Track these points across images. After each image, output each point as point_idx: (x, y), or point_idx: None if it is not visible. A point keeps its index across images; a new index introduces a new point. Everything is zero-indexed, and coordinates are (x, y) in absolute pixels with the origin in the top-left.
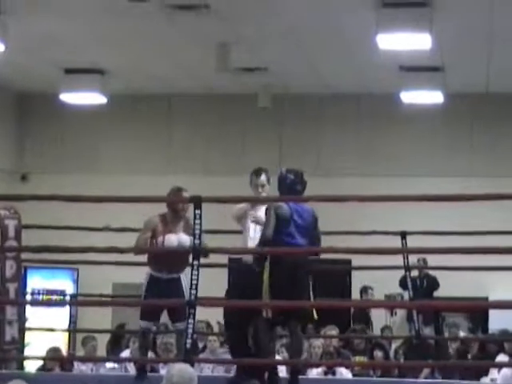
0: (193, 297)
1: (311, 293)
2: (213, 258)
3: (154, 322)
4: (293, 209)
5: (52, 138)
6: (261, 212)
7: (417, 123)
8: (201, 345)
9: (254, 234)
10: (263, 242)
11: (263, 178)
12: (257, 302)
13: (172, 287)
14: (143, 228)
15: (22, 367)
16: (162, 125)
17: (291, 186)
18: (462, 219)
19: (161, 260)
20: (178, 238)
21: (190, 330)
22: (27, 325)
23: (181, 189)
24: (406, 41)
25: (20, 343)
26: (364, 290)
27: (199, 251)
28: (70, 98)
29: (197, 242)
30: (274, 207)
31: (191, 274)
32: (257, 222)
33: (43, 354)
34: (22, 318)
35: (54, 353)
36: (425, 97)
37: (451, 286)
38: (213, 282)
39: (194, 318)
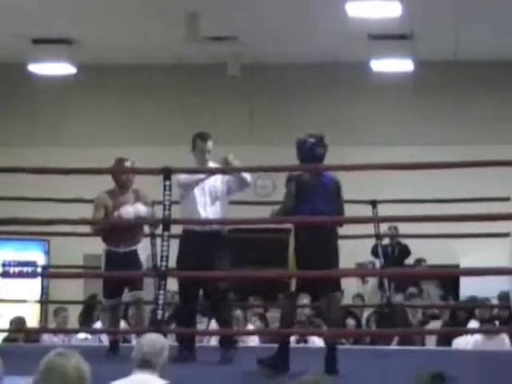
0: (163, 267)
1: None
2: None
3: (117, 298)
4: (314, 176)
5: (20, 109)
6: (213, 180)
7: (387, 92)
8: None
9: (205, 201)
10: (284, 213)
11: (210, 143)
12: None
13: (130, 260)
14: (94, 207)
15: None
16: (130, 96)
17: (311, 150)
18: (432, 187)
19: (118, 234)
20: (134, 209)
21: (161, 301)
22: None
23: (123, 159)
24: (375, 8)
25: None
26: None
27: (169, 222)
28: (38, 68)
29: (166, 213)
30: (295, 176)
31: (161, 246)
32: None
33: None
34: None
35: (17, 323)
36: (395, 65)
37: (422, 253)
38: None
39: (165, 289)
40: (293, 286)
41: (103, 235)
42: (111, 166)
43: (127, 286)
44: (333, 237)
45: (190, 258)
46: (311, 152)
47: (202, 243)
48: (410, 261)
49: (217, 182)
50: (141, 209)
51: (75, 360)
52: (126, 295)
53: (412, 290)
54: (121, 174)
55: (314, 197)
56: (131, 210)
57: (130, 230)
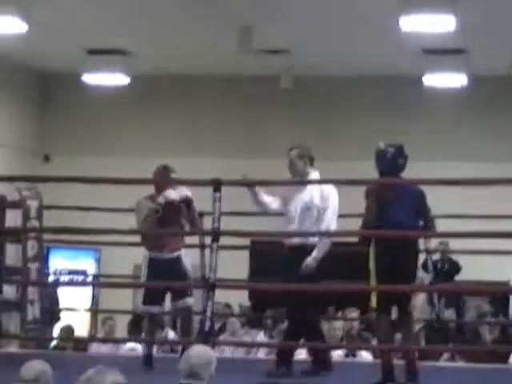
0: (212, 279)
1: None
2: (231, 241)
3: (158, 306)
4: (393, 189)
5: (74, 118)
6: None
7: (439, 106)
8: (217, 325)
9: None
10: (365, 227)
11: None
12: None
13: (174, 266)
14: (138, 212)
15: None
16: (184, 106)
17: (392, 161)
18: (485, 204)
19: (161, 239)
20: (179, 193)
21: (209, 313)
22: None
23: (167, 167)
24: (429, 23)
25: (42, 323)
26: None
27: (218, 233)
28: (92, 78)
29: (216, 225)
30: (375, 190)
31: (210, 257)
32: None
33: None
34: (53, 298)
35: (66, 331)
36: (448, 80)
37: (473, 270)
38: (232, 264)
39: (213, 300)
40: (373, 301)
41: (146, 241)
42: (155, 173)
43: (171, 293)
44: (411, 252)
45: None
46: (392, 163)
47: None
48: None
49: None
50: (185, 192)
51: (112, 378)
52: (172, 304)
53: (484, 307)
54: (164, 185)
55: (395, 210)
56: (174, 193)
57: (174, 236)
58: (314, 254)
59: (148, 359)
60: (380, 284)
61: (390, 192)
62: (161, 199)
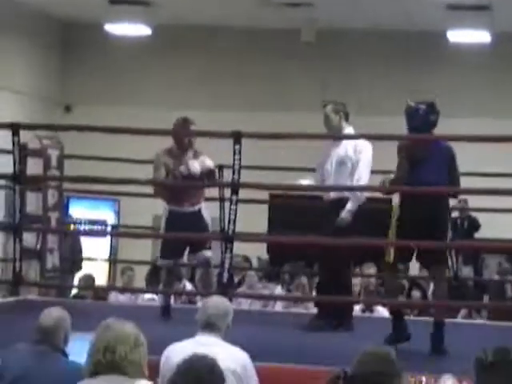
0: (231, 231)
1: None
2: (250, 194)
3: (176, 259)
4: (426, 145)
5: (96, 69)
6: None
7: (463, 63)
8: (236, 279)
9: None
10: (395, 184)
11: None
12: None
13: (194, 220)
14: (154, 167)
15: (65, 294)
16: (205, 58)
17: (425, 118)
18: (505, 161)
19: (181, 193)
20: (201, 163)
21: (227, 265)
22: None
23: (187, 120)
24: None
25: (61, 271)
26: None
27: (238, 185)
28: (114, 28)
29: (236, 177)
30: (406, 147)
31: (229, 209)
32: None
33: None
34: (75, 247)
35: (86, 280)
36: (472, 36)
37: (492, 227)
38: (251, 217)
39: (231, 253)
40: (391, 256)
41: (165, 195)
42: (175, 125)
43: (190, 246)
44: (441, 209)
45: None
46: (424, 119)
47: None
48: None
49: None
50: (208, 163)
51: (130, 328)
52: (191, 256)
53: (506, 265)
54: (184, 136)
55: (426, 167)
56: (197, 165)
57: (194, 189)
58: (348, 206)
59: (165, 310)
60: (401, 238)
61: (422, 150)
62: (182, 169)
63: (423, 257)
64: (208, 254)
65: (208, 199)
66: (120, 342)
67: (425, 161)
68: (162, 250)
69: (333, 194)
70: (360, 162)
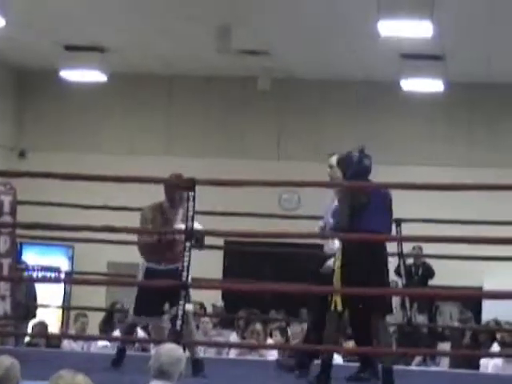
0: (184, 278)
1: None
2: (207, 241)
3: (152, 316)
4: (366, 193)
5: (51, 115)
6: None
7: (416, 111)
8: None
9: None
10: (338, 231)
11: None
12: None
13: (171, 278)
14: (142, 222)
15: (17, 342)
16: (162, 105)
17: (360, 163)
18: (457, 208)
19: (161, 251)
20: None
21: (181, 312)
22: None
23: (181, 176)
24: (407, 28)
25: (14, 318)
26: None
27: (191, 233)
28: (69, 75)
29: (189, 224)
30: (351, 194)
31: (183, 256)
32: None
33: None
34: (30, 293)
35: (39, 328)
36: (425, 85)
37: (446, 274)
38: (207, 264)
39: (185, 299)
40: (339, 304)
41: (146, 251)
42: (167, 181)
43: (169, 301)
44: (382, 255)
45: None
46: (360, 164)
47: None
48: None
49: None
50: (196, 227)
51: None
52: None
53: (467, 313)
54: (174, 193)
55: (367, 213)
56: (183, 227)
57: (174, 248)
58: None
59: (120, 354)
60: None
61: (363, 197)
62: (169, 236)
63: (365, 304)
64: (189, 307)
65: None
66: None
67: (366, 207)
68: (135, 307)
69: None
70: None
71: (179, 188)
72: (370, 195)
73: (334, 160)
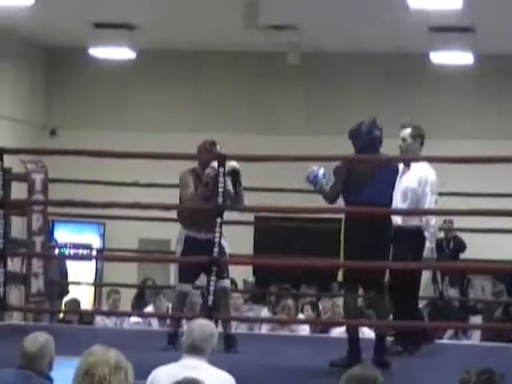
0: (216, 254)
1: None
2: (238, 217)
3: (192, 283)
4: (370, 166)
5: (80, 93)
6: None
7: (445, 84)
8: None
9: None
10: (328, 202)
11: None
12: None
13: (210, 248)
14: (183, 185)
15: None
16: (191, 81)
17: (370, 133)
18: (489, 182)
19: (201, 219)
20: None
21: (212, 287)
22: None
23: (213, 143)
24: (436, 0)
25: (46, 295)
26: None
27: (223, 209)
28: (98, 52)
29: (220, 199)
30: (347, 168)
31: (215, 232)
32: None
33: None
34: (62, 271)
35: (71, 304)
36: (454, 58)
37: (477, 248)
38: (237, 240)
39: (216, 276)
40: (340, 276)
41: (184, 219)
42: (200, 147)
43: (205, 271)
44: (385, 230)
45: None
46: (369, 135)
47: None
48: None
49: None
50: (232, 163)
51: (115, 355)
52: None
53: (499, 286)
54: (205, 156)
55: (370, 188)
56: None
57: (212, 218)
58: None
59: (173, 337)
60: (349, 260)
61: (368, 169)
62: (209, 170)
63: (367, 278)
64: (226, 283)
65: None
66: (99, 366)
67: (369, 182)
68: (180, 275)
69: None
70: (425, 196)
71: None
72: (374, 168)
73: (407, 132)
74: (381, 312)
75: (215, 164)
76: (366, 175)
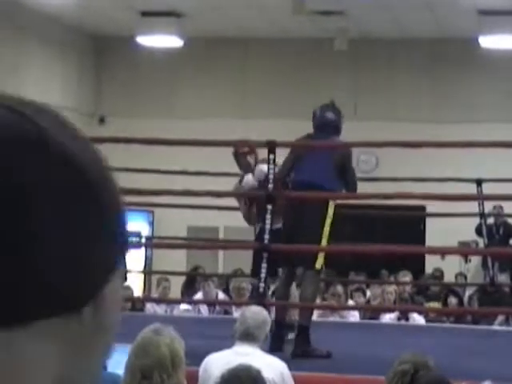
0: (266, 241)
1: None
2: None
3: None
4: (308, 148)
5: (128, 81)
6: None
7: (495, 68)
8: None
9: None
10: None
11: None
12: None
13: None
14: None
15: None
16: (238, 69)
17: (321, 117)
18: None
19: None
20: (257, 174)
21: (263, 275)
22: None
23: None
24: None
25: None
26: None
27: (273, 196)
28: (146, 40)
29: (270, 186)
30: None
31: (265, 218)
32: None
33: None
34: None
35: (124, 291)
36: (504, 41)
37: None
38: None
39: (267, 263)
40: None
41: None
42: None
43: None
44: (312, 213)
45: None
46: (321, 119)
47: None
48: None
49: None
50: (259, 171)
51: (169, 339)
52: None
53: None
54: (243, 159)
55: (303, 168)
56: (250, 178)
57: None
58: None
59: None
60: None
61: (304, 148)
62: (248, 180)
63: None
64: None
65: None
66: (156, 368)
67: (303, 162)
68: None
69: None
70: None
71: (248, 153)
72: (309, 147)
73: None
74: (308, 293)
75: (246, 179)
76: (301, 156)
